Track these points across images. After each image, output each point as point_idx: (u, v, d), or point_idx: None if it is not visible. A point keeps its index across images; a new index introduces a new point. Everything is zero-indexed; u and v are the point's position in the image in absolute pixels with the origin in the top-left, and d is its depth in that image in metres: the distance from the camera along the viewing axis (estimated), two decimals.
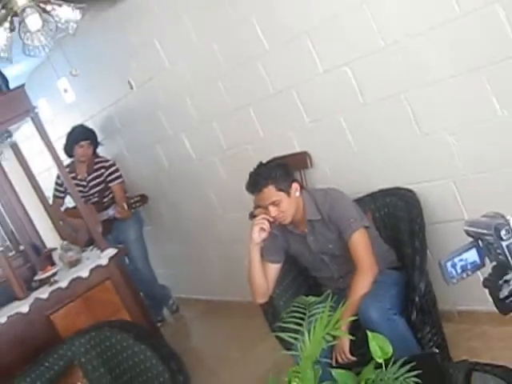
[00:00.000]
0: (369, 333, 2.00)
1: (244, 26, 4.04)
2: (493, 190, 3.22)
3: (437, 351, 3.14)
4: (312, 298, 2.22)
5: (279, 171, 3.22)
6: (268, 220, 3.17)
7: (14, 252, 4.96)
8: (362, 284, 3.04)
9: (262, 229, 3.18)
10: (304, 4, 3.64)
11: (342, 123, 3.81)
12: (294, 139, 4.14)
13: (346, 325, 2.71)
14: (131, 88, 5.41)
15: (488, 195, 3.22)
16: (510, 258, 1.49)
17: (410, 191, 3.51)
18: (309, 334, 1.98)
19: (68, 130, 5.59)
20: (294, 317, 2.16)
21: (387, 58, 3.40)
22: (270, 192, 3.14)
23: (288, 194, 3.17)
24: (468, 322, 3.41)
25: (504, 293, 1.51)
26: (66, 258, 4.67)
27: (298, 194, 3.22)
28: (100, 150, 5.70)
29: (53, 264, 4.69)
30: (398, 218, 3.46)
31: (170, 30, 4.65)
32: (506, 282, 1.50)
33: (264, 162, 3.33)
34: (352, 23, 3.47)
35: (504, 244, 1.48)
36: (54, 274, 4.47)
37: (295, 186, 3.23)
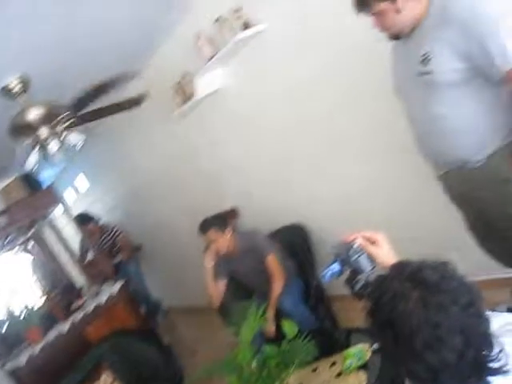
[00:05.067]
0: (283, 321, 1.97)
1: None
2: (348, 225, 3.17)
3: (328, 324, 3.12)
4: (245, 303, 2.16)
5: (216, 221, 3.18)
6: (213, 253, 3.10)
7: (55, 292, 4.74)
8: (277, 287, 2.98)
9: (211, 259, 3.10)
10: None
11: (253, 192, 3.79)
12: (228, 202, 4.03)
13: (271, 315, 2.68)
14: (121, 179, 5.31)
15: (344, 227, 3.19)
16: (356, 266, 1.48)
17: (301, 225, 3.45)
18: (245, 325, 1.93)
19: (85, 207, 5.44)
20: (237, 316, 2.10)
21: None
22: (212, 233, 3.08)
23: (223, 234, 3.09)
24: (343, 301, 3.37)
25: (357, 287, 1.48)
26: (90, 291, 4.49)
27: (230, 235, 3.13)
28: (106, 219, 5.53)
29: (82, 297, 4.49)
30: (295, 243, 3.40)
31: (138, 144, 4.54)
32: (358, 281, 1.48)
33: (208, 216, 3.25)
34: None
35: (352, 258, 1.47)
36: (84, 303, 4.28)
37: (228, 230, 3.13)
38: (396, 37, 1.94)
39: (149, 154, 4.53)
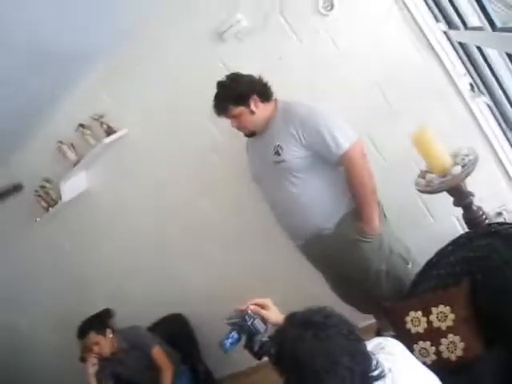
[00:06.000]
0: None
1: None
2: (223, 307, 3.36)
3: None
4: None
5: (95, 323, 3.13)
6: (96, 357, 3.03)
7: None
8: (167, 378, 3.03)
9: (94, 364, 3.01)
10: None
11: (127, 290, 3.79)
12: (100, 305, 3.73)
13: None
14: None
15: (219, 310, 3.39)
16: (253, 330, 1.70)
17: (179, 314, 3.55)
18: None
19: None
20: None
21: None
22: (93, 336, 3.03)
23: (104, 336, 3.07)
24: (232, 381, 3.52)
25: (256, 348, 1.70)
26: None
27: (111, 335, 3.11)
28: None
29: None
30: (175, 332, 3.47)
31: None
32: (255, 342, 1.70)
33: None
34: None
35: (249, 323, 1.70)
36: None
37: (108, 331, 3.12)
38: (252, 134, 2.38)
39: (7, 265, 4.27)
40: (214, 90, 2.39)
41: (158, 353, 3.13)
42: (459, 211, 2.45)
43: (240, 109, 2.27)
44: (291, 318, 1.39)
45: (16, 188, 2.72)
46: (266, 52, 2.70)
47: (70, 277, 4.00)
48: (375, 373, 1.26)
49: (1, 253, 4.16)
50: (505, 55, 1.69)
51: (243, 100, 2.26)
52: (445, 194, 2.39)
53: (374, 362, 1.28)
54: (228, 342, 1.74)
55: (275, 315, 1.69)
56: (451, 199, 2.39)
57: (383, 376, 1.27)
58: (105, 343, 3.07)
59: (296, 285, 3.15)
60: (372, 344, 1.43)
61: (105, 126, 3.13)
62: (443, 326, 2.00)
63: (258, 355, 1.71)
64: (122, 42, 2.95)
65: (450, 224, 2.69)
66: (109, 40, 2.91)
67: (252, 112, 2.27)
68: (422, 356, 2.03)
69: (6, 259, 4.18)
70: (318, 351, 1.23)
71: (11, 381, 4.86)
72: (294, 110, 2.26)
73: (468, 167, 2.19)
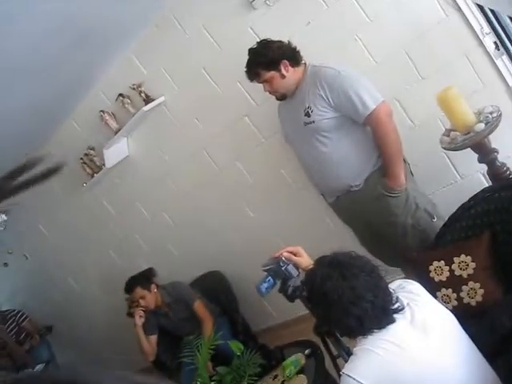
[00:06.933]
0: (230, 342, 2.32)
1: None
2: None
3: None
4: (190, 338, 2.47)
5: (140, 279, 3.41)
6: (142, 310, 3.32)
7: None
8: (208, 329, 3.21)
9: (141, 316, 3.29)
10: None
11: (169, 249, 4.08)
12: (143, 264, 4.03)
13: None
14: (26, 259, 5.21)
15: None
16: (287, 274, 1.90)
17: (218, 271, 3.79)
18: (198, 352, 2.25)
19: None
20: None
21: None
22: (138, 291, 3.31)
23: (149, 291, 3.34)
24: (267, 334, 3.76)
25: (289, 291, 1.90)
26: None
27: (155, 290, 3.38)
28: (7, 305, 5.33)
29: None
30: (216, 286, 3.72)
31: (44, 220, 4.60)
32: (289, 286, 1.89)
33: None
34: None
35: (283, 268, 1.90)
36: None
37: (153, 286, 3.38)
38: (283, 97, 2.53)
39: (56, 228, 4.60)
40: (246, 57, 2.54)
41: (199, 306, 3.39)
42: (485, 168, 2.55)
43: (271, 73, 2.42)
44: (320, 260, 1.58)
45: (57, 169, 2.93)
46: (295, 18, 2.82)
47: (115, 239, 4.30)
48: (394, 306, 1.45)
49: (52, 217, 4.50)
50: None
51: (274, 65, 2.40)
52: (471, 151, 2.49)
53: (394, 298, 1.47)
54: (264, 287, 1.95)
55: (306, 261, 1.88)
56: (476, 156, 2.49)
57: (402, 309, 1.45)
58: (150, 297, 3.35)
59: (325, 239, 3.32)
60: (394, 285, 1.60)
61: (143, 95, 3.32)
62: (464, 274, 2.14)
63: (291, 298, 1.92)
64: (156, 12, 3.11)
65: (477, 181, 2.80)
66: (143, 12, 3.07)
67: (283, 76, 2.42)
68: (444, 302, 2.18)
69: (57, 223, 4.52)
70: (344, 287, 1.42)
71: (72, 334, 5.31)
72: (322, 72, 2.39)
73: (491, 124, 2.28)
